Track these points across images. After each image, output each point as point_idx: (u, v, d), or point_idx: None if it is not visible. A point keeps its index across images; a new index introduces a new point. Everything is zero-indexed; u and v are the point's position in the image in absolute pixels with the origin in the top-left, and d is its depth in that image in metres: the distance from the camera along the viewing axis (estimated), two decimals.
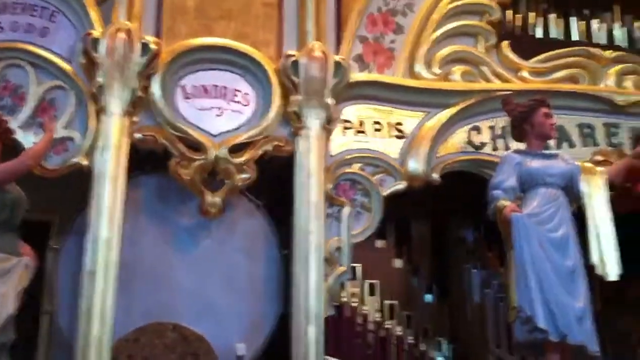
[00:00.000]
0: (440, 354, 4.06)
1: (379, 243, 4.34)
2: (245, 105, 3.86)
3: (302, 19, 4.03)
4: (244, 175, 3.72)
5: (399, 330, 4.02)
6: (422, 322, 4.10)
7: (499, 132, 4.15)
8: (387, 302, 4.09)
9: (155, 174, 3.80)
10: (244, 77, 3.87)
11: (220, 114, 3.80)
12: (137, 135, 3.66)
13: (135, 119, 3.68)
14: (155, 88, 3.70)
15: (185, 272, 3.75)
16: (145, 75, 3.69)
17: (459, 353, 4.15)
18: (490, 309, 4.09)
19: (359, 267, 4.06)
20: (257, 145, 3.76)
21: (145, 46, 3.68)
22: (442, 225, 4.54)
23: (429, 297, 4.29)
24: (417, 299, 4.24)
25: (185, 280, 3.73)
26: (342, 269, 3.74)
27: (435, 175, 3.96)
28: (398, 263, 4.32)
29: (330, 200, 3.80)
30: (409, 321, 4.05)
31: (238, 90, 3.85)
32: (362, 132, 3.99)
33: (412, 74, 4.19)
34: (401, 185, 3.94)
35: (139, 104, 3.68)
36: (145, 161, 3.78)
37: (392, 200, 3.96)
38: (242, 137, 3.74)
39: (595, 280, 3.70)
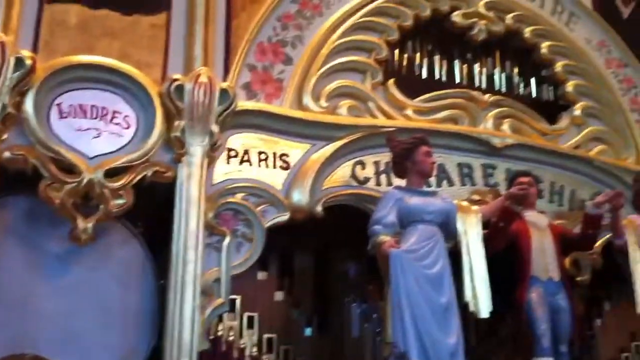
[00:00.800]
0: None
1: (261, 275, 4.26)
2: (126, 128, 3.71)
3: (190, 43, 3.96)
4: (119, 201, 3.56)
5: None
6: (300, 356, 4.04)
7: (382, 167, 4.21)
8: (265, 335, 4.02)
9: (25, 195, 3.57)
10: (125, 98, 3.73)
11: (97, 136, 3.64)
12: (6, 154, 3.43)
13: (4, 136, 3.45)
14: (29, 105, 3.49)
15: (52, 301, 3.52)
16: (19, 91, 3.48)
17: None
18: (368, 344, 4.10)
19: (238, 299, 3.97)
20: (136, 170, 3.62)
21: (19, 61, 3.47)
22: (325, 258, 4.54)
23: (309, 331, 4.25)
24: (297, 333, 4.19)
25: (52, 309, 3.51)
26: (220, 301, 3.65)
27: (319, 208, 3.96)
28: (279, 295, 4.26)
29: (211, 230, 3.71)
30: (287, 355, 3.99)
31: (118, 112, 3.71)
32: (247, 161, 3.94)
33: (300, 105, 4.20)
34: (284, 217, 3.90)
35: (10, 121, 3.45)
36: (15, 182, 3.55)
37: (276, 232, 3.91)
38: (119, 161, 3.59)
39: (470, 316, 3.81)
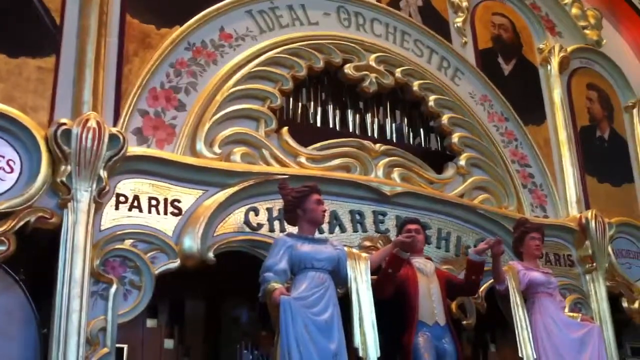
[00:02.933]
0: None
1: (150, 322, 4.17)
2: (9, 172, 3.58)
3: (79, 87, 3.89)
4: (0, 247, 3.43)
5: None
6: None
7: (276, 214, 4.24)
8: None
9: None
10: (9, 142, 3.61)
11: None
12: None
13: None
14: None
15: None
16: None
17: None
18: None
19: (125, 347, 3.86)
20: (19, 216, 3.49)
21: None
22: (217, 305, 4.50)
23: None
24: None
25: None
26: (105, 350, 3.53)
27: (211, 255, 3.92)
28: (169, 343, 4.17)
29: (97, 278, 3.60)
30: None
31: (1, 156, 3.57)
32: (137, 207, 3.86)
33: (194, 151, 4.19)
34: (175, 264, 3.84)
35: None
36: None
37: (166, 279, 3.85)
38: (1, 206, 3.45)
39: None
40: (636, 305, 5.67)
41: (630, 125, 6.60)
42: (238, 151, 4.31)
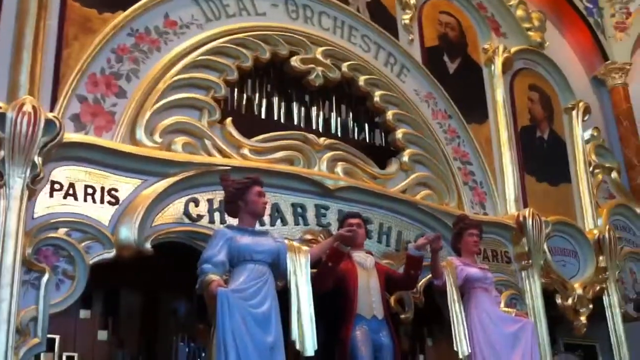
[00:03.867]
0: None
1: (83, 313, 4.08)
2: None
3: (16, 71, 3.76)
4: None
5: None
6: None
7: (216, 205, 4.20)
8: None
9: None
10: None
11: None
12: None
13: None
14: None
15: None
16: None
17: None
18: None
19: (57, 338, 3.77)
20: None
21: None
22: (154, 297, 4.43)
23: None
24: None
25: None
26: (36, 340, 3.44)
27: (148, 246, 3.86)
28: (103, 335, 4.09)
29: (29, 266, 3.50)
30: None
31: None
32: (72, 195, 3.76)
33: (133, 140, 4.10)
34: (110, 254, 3.76)
35: None
36: None
37: (101, 269, 3.77)
38: None
39: (300, 354, 3.87)
40: (570, 302, 5.84)
41: (569, 127, 6.77)
42: (179, 141, 4.24)
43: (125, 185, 3.96)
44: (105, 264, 3.78)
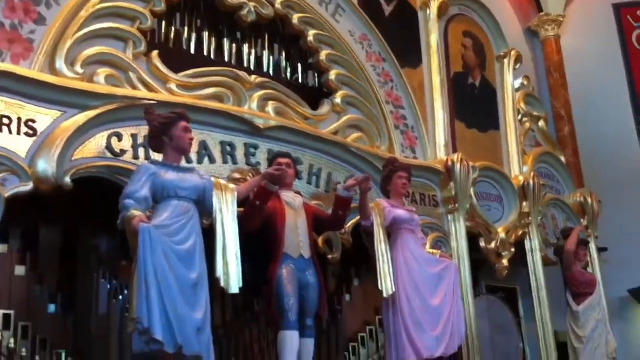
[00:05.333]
0: None
1: (0, 248, 3.95)
2: None
3: None
4: None
5: (12, 343, 3.68)
6: (42, 334, 3.80)
7: (141, 140, 4.08)
8: (2, 311, 3.73)
9: None
10: None
11: None
12: None
13: None
14: None
15: None
16: None
17: None
18: (115, 321, 3.99)
19: None
20: None
21: None
22: (75, 233, 4.31)
23: (52, 308, 4.02)
24: (39, 310, 3.94)
25: None
26: None
27: (68, 180, 3.73)
28: (20, 270, 3.96)
29: None
30: (25, 332, 3.73)
31: None
32: None
33: (53, 70, 3.91)
34: (27, 187, 3.61)
35: None
36: None
37: (19, 203, 3.63)
38: None
39: (226, 292, 3.85)
40: (493, 245, 6.01)
41: (500, 75, 6.85)
42: (102, 72, 4.08)
43: (43, 116, 3.78)
44: (23, 198, 3.63)
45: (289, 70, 5.30)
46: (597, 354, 6.23)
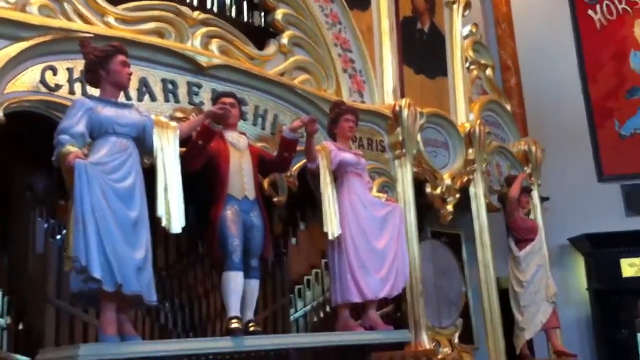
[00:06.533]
0: None
1: None
2: None
3: None
4: None
5: None
6: None
7: (77, 75, 3.90)
8: None
9: None
10: None
11: None
12: None
13: None
14: None
15: None
16: None
17: (17, 304, 3.85)
18: (53, 260, 3.87)
19: None
20: None
21: None
22: (9, 170, 4.14)
23: None
24: None
25: None
26: None
27: (0, 114, 3.56)
28: None
29: None
30: None
31: None
32: None
33: None
34: None
35: None
36: None
37: None
38: None
39: (170, 233, 3.77)
40: (438, 191, 6.06)
41: (449, 21, 6.79)
42: (35, 3, 3.85)
43: None
44: None
45: (233, 9, 5.12)
46: (537, 297, 6.44)
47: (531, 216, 7.00)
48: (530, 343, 6.65)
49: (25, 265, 3.98)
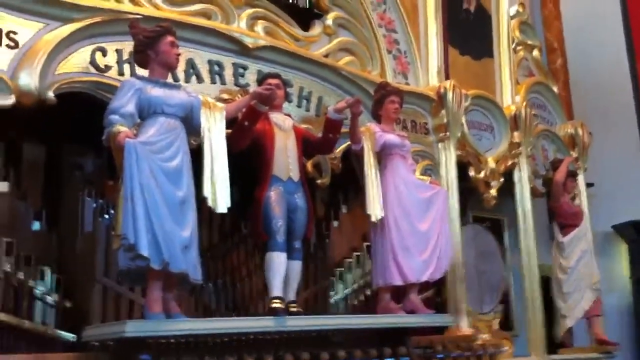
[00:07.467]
0: (42, 282, 3.80)
1: None
2: None
3: None
4: None
5: None
6: (25, 250, 3.75)
7: (126, 56, 3.95)
8: None
9: None
10: None
11: None
12: None
13: None
14: None
15: None
16: None
17: (65, 282, 3.93)
18: (101, 239, 3.94)
19: None
20: None
21: None
22: (59, 150, 4.22)
23: (37, 225, 3.97)
24: (23, 226, 3.88)
25: None
26: None
27: (51, 94, 3.60)
28: (3, 186, 3.89)
29: None
30: (10, 248, 3.68)
31: None
32: None
33: None
34: (9, 101, 3.49)
35: None
36: None
37: (1, 117, 3.53)
38: None
39: (214, 214, 3.80)
40: (482, 174, 5.98)
41: (495, 1, 6.64)
42: None
43: (25, 28, 3.64)
44: (5, 112, 3.52)
45: None
46: (581, 284, 6.35)
47: (576, 202, 6.87)
48: (569, 332, 6.57)
49: (73, 244, 4.07)
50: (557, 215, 6.54)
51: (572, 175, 6.62)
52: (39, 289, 3.79)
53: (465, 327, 5.34)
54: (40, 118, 3.77)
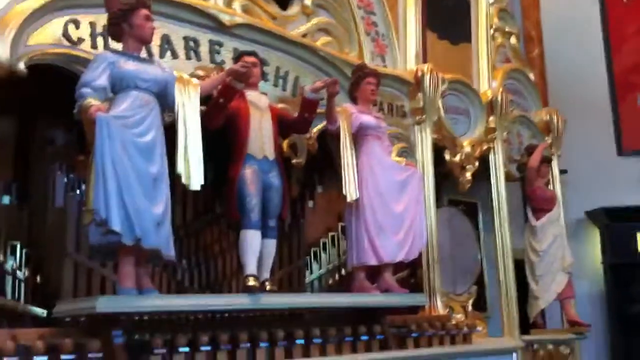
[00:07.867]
0: (12, 257, 3.75)
1: None
2: None
3: None
4: None
5: None
6: None
7: (99, 30, 3.87)
8: None
9: None
10: None
11: None
12: None
13: None
14: None
15: None
16: None
17: (34, 257, 3.89)
18: (72, 214, 3.89)
19: None
20: None
21: None
22: (29, 123, 4.15)
23: (6, 199, 3.90)
24: None
25: None
26: None
27: (22, 65, 3.52)
28: None
29: None
30: None
31: None
32: None
33: None
34: None
35: None
36: None
37: None
38: None
39: (188, 192, 3.76)
40: (457, 158, 6.01)
41: None
42: None
43: None
44: None
45: None
46: (553, 267, 6.44)
47: (549, 187, 6.94)
48: (542, 313, 6.65)
49: (44, 219, 4.01)
50: (531, 200, 6.61)
51: (546, 160, 6.69)
52: (9, 264, 3.74)
53: (439, 307, 5.38)
54: (11, 90, 3.69)
